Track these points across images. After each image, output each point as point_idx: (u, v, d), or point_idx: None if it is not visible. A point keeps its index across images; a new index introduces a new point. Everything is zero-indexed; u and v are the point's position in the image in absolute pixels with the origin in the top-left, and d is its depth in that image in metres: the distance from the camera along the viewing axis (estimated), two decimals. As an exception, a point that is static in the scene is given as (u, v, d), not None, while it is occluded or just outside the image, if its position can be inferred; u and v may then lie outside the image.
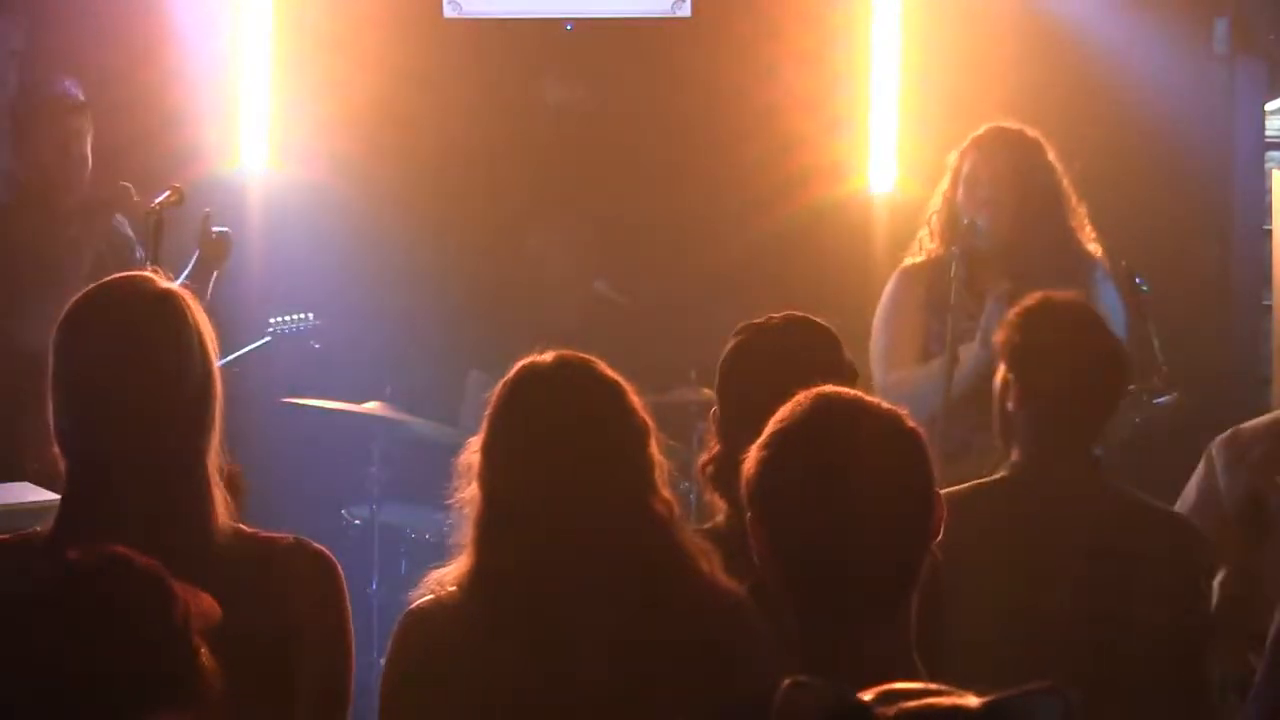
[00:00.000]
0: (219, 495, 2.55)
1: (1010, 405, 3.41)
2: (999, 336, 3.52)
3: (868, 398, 2.29)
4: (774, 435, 2.23)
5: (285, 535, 2.63)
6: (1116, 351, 3.48)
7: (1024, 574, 3.25)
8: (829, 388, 2.27)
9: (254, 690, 2.35)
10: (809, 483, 2.18)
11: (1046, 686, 1.55)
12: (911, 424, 2.25)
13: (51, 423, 2.54)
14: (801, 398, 2.25)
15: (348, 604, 2.65)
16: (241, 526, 2.59)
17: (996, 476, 3.41)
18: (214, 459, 2.56)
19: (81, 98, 5.23)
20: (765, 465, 2.22)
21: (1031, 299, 3.50)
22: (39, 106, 5.27)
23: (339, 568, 2.65)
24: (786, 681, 1.68)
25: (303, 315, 5.93)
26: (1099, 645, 3.26)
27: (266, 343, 5.79)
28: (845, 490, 2.16)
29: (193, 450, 2.53)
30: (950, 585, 2.87)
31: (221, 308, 4.55)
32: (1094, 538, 3.31)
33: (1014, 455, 3.41)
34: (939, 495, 2.25)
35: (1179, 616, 3.34)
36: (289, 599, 2.54)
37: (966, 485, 3.37)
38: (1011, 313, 3.53)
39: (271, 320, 5.86)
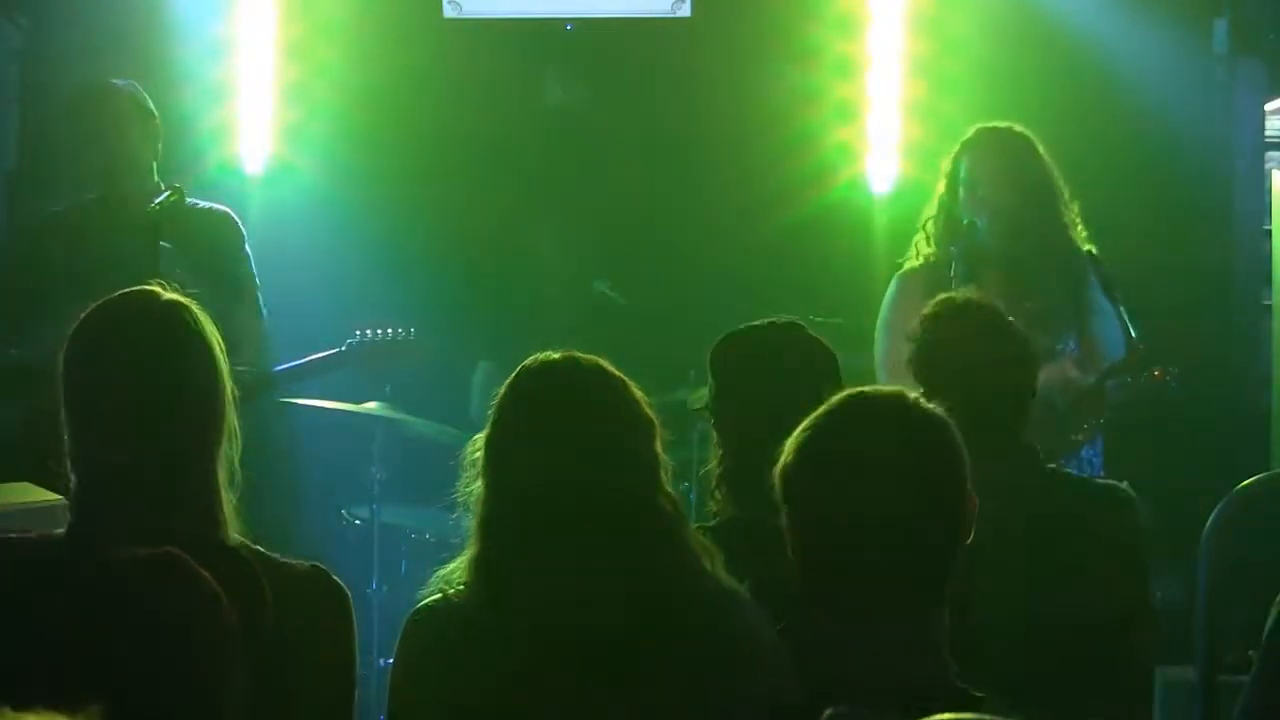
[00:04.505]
0: (228, 508, 2.55)
1: None
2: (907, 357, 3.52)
3: (910, 395, 2.30)
4: (804, 429, 2.27)
5: (302, 562, 2.64)
6: (1016, 344, 3.46)
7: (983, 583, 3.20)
8: (869, 387, 2.32)
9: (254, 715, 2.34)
10: (827, 473, 2.21)
11: None
12: (948, 424, 2.25)
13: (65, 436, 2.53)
14: (840, 395, 2.29)
15: (356, 639, 2.65)
16: (261, 550, 2.58)
17: None
18: (223, 470, 2.56)
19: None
20: (792, 457, 2.26)
21: (929, 311, 3.53)
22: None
23: (351, 601, 2.66)
24: (827, 712, 1.70)
25: (399, 330, 5.53)
26: (1057, 630, 3.24)
27: (340, 352, 5.40)
28: (862, 482, 2.18)
29: (200, 460, 2.53)
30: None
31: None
32: (1041, 528, 3.29)
33: None
34: (971, 496, 2.25)
35: (1129, 587, 3.35)
36: (298, 628, 2.52)
37: None
38: (914, 328, 3.53)
39: (356, 330, 5.47)
